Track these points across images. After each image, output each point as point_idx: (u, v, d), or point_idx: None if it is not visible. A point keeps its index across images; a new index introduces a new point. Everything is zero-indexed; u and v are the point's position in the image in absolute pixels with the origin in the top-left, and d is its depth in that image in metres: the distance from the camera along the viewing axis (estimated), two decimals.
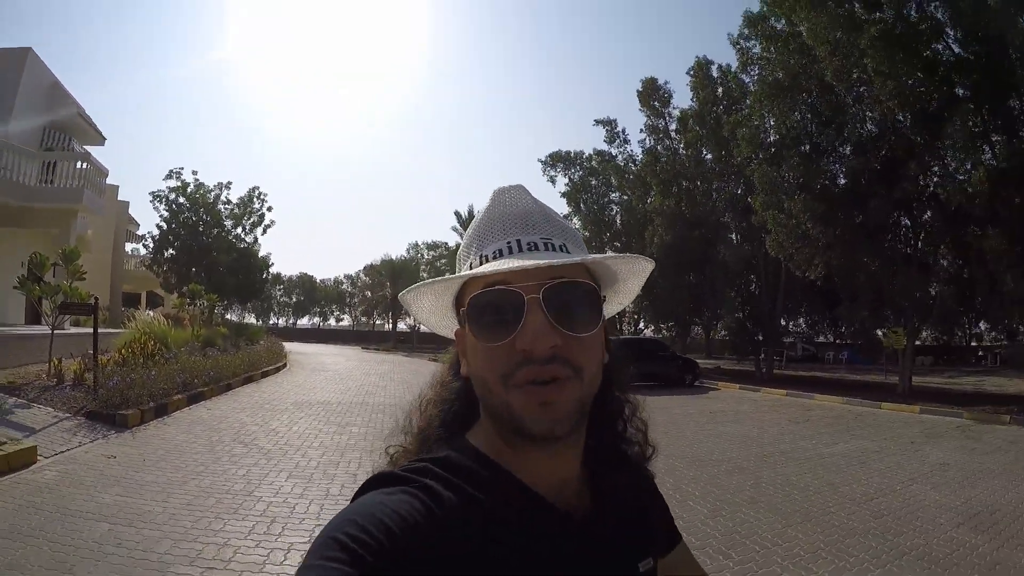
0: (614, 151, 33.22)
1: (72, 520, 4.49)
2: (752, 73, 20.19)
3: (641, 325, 37.89)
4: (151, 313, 18.19)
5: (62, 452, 6.43)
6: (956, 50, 14.62)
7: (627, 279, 0.77)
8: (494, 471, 0.67)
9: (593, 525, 0.70)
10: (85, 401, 8.34)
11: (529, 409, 0.62)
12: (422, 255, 60.32)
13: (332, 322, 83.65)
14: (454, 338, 0.76)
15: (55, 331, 9.95)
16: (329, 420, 9.82)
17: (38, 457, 6.07)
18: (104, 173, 17.83)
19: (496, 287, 0.64)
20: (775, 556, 4.41)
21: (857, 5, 15.08)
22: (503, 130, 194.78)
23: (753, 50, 19.71)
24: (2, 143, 14.55)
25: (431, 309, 0.75)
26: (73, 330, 13.18)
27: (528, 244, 0.67)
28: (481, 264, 0.67)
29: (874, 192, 15.58)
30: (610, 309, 0.78)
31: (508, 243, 0.68)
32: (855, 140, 16.72)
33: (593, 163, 35.81)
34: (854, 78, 15.19)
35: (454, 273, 0.71)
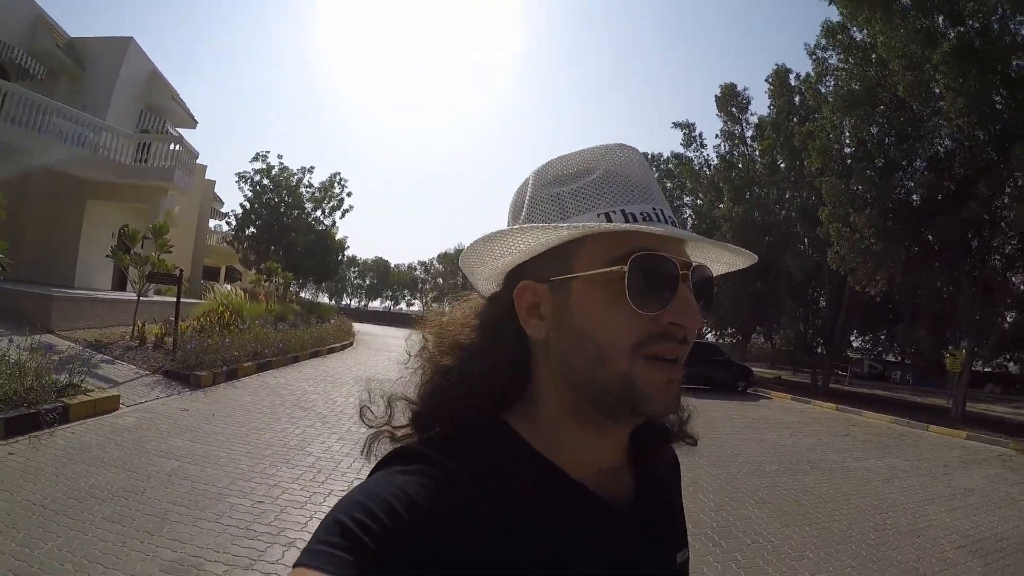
0: (690, 154, 32.71)
1: (147, 456, 5.23)
2: (828, 84, 19.80)
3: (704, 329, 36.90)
4: (228, 286, 19.45)
5: (141, 403, 7.21)
6: None
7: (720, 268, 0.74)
8: (530, 459, 0.64)
9: (634, 514, 0.68)
10: (164, 361, 9.21)
11: (656, 385, 0.61)
12: None
13: (403, 306, 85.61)
14: (513, 295, 0.67)
15: (140, 298, 11.01)
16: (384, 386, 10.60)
17: (120, 405, 6.85)
18: (194, 155, 19.04)
19: (657, 253, 0.61)
20: (763, 551, 4.70)
21: (940, 18, 14.69)
22: (582, 128, 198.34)
23: (830, 60, 19.45)
24: (102, 124, 15.76)
25: (520, 251, 0.66)
26: (156, 298, 14.37)
27: (669, 218, 0.65)
28: (626, 221, 0.62)
29: (944, 210, 15.32)
30: None
31: (655, 209, 0.64)
32: (929, 156, 16.44)
33: (670, 165, 35.57)
34: (930, 93, 14.92)
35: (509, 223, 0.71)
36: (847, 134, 17.59)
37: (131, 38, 18.91)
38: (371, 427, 0.74)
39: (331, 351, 17.13)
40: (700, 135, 32.34)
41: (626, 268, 0.59)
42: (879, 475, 8.04)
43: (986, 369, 31.61)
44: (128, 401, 7.12)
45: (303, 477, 5.21)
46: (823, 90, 20.19)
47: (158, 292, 15.45)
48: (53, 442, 5.28)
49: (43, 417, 5.56)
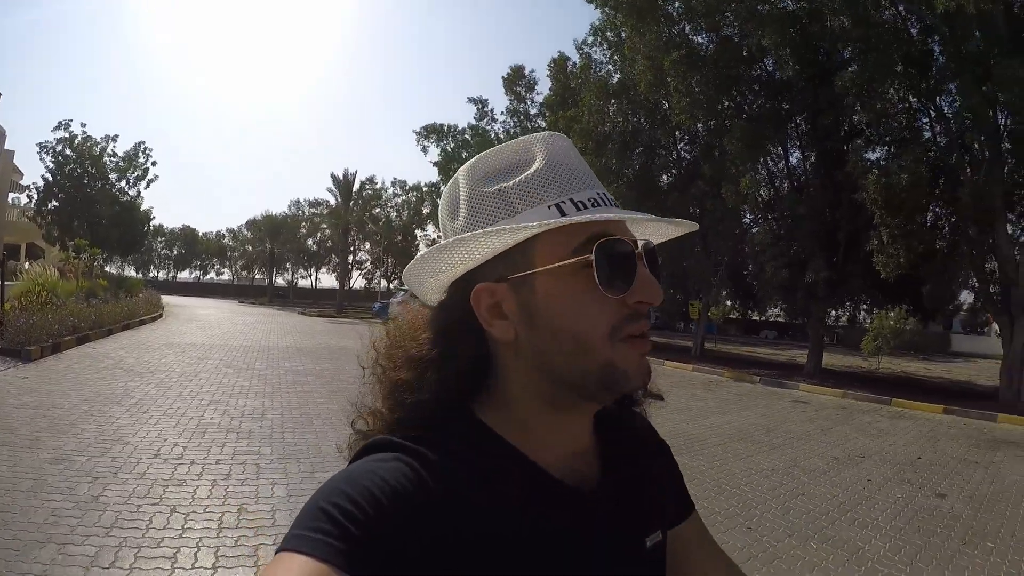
0: (486, 127, 35.35)
1: (8, 408, 6.80)
2: (594, 74, 23.00)
3: None
4: (40, 266, 19.65)
5: None
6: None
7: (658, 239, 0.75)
8: (499, 446, 0.65)
9: (600, 500, 0.68)
10: None
11: (633, 363, 0.62)
12: (303, 212, 61.42)
13: (213, 276, 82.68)
14: (470, 299, 0.65)
15: None
16: (191, 355, 12.29)
17: None
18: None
19: (617, 237, 0.62)
20: None
21: (687, 28, 17.44)
22: (380, 99, 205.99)
23: (595, 55, 22.83)
24: None
25: (480, 256, 0.64)
26: None
27: (611, 200, 0.65)
28: (578, 210, 0.62)
29: (680, 187, 19.31)
30: None
31: (599, 194, 0.64)
32: (669, 142, 20.37)
33: (467, 136, 37.38)
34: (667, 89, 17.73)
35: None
36: (605, 120, 20.53)
37: None
38: (360, 436, 0.71)
39: (142, 323, 18.48)
40: (491, 111, 34.93)
41: (592, 256, 0.60)
42: None
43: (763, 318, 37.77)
44: None
45: (130, 412, 7.03)
46: (589, 79, 23.55)
47: None
48: None
49: None
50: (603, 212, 0.62)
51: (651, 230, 0.72)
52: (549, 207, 0.62)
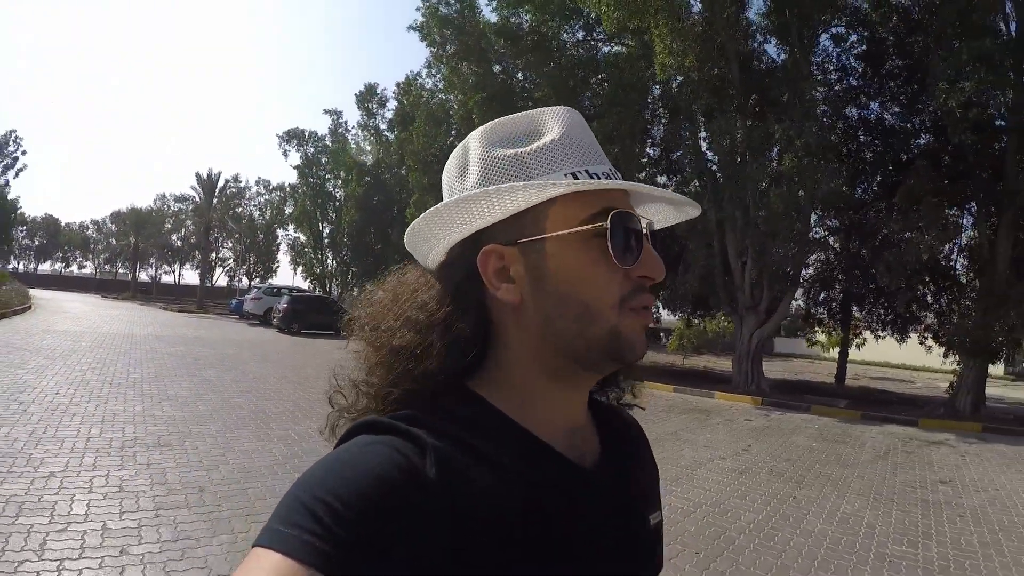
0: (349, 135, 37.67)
1: None
2: (427, 101, 26.45)
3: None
4: None
5: None
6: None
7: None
8: (500, 422, 0.63)
9: (603, 474, 0.68)
10: None
11: (637, 333, 0.63)
12: (169, 207, 61.85)
13: (75, 269, 79.48)
14: (477, 260, 0.65)
15: None
16: (67, 339, 15.47)
17: None
18: None
19: (629, 211, 0.64)
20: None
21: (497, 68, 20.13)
22: (245, 100, 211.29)
23: (427, 85, 26.76)
24: None
25: (497, 213, 0.63)
26: None
27: (619, 177, 0.66)
28: (594, 180, 0.62)
29: None
30: None
31: (611, 169, 0.66)
32: None
33: (327, 141, 39.07)
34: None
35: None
36: (434, 143, 23.97)
37: None
38: (340, 413, 0.69)
39: (16, 313, 20.85)
40: (345, 122, 38.13)
41: (607, 225, 0.61)
42: None
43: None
44: None
45: (30, 372, 9.89)
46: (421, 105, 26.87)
47: None
48: None
49: None
50: (620, 183, 0.63)
51: (651, 213, 0.74)
52: (565, 175, 0.63)
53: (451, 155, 0.71)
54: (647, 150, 19.31)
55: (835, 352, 21.49)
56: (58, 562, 3.60)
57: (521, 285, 0.64)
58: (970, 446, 10.08)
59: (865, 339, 20.98)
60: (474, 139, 0.68)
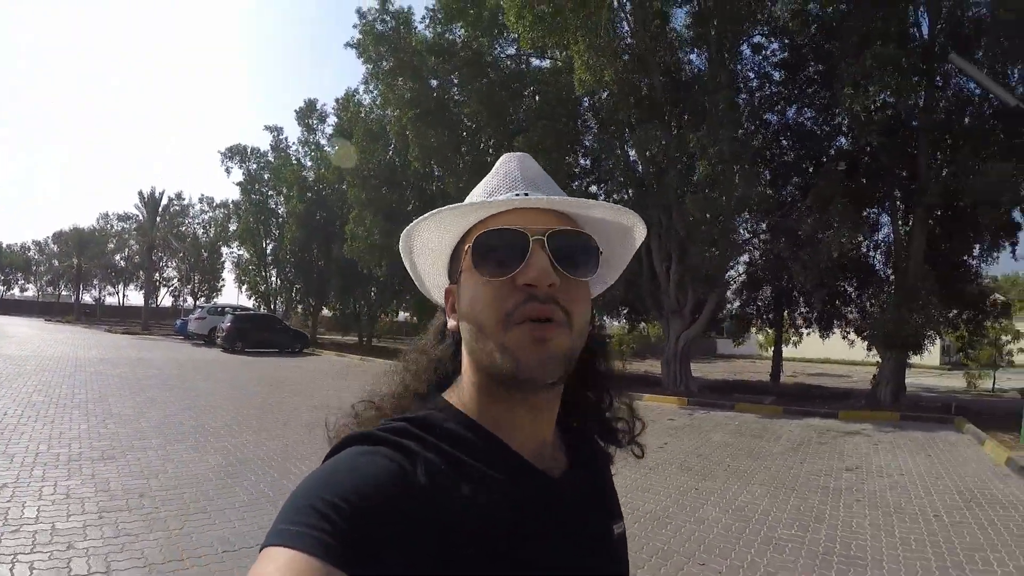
0: (291, 153, 36.60)
1: None
2: (364, 117, 26.26)
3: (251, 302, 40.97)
4: None
5: None
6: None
7: (616, 247, 0.79)
8: (475, 431, 0.67)
9: (570, 486, 0.72)
10: None
11: (525, 346, 0.64)
12: (112, 226, 60.14)
13: (16, 292, 76.40)
14: (440, 300, 0.79)
15: None
16: (12, 363, 15.50)
17: None
18: None
19: (502, 228, 0.67)
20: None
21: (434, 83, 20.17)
22: (186, 119, 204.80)
23: (364, 102, 26.76)
24: None
25: (431, 251, 0.74)
26: None
27: (547, 195, 0.70)
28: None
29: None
30: (597, 284, 0.81)
31: (517, 193, 0.69)
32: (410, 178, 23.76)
33: (269, 158, 37.92)
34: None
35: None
36: (371, 158, 24.01)
37: None
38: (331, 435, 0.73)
39: None
40: (286, 139, 36.92)
41: (470, 245, 0.67)
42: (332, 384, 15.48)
43: None
44: None
45: None
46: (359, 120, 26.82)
47: None
48: None
49: None
50: (505, 197, 0.69)
51: (599, 229, 0.74)
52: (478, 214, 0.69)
53: None
54: (580, 160, 19.62)
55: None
56: (12, 555, 4.10)
57: (457, 315, 0.72)
58: (884, 435, 10.49)
59: (800, 337, 21.43)
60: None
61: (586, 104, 18.24)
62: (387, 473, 0.59)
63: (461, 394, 0.73)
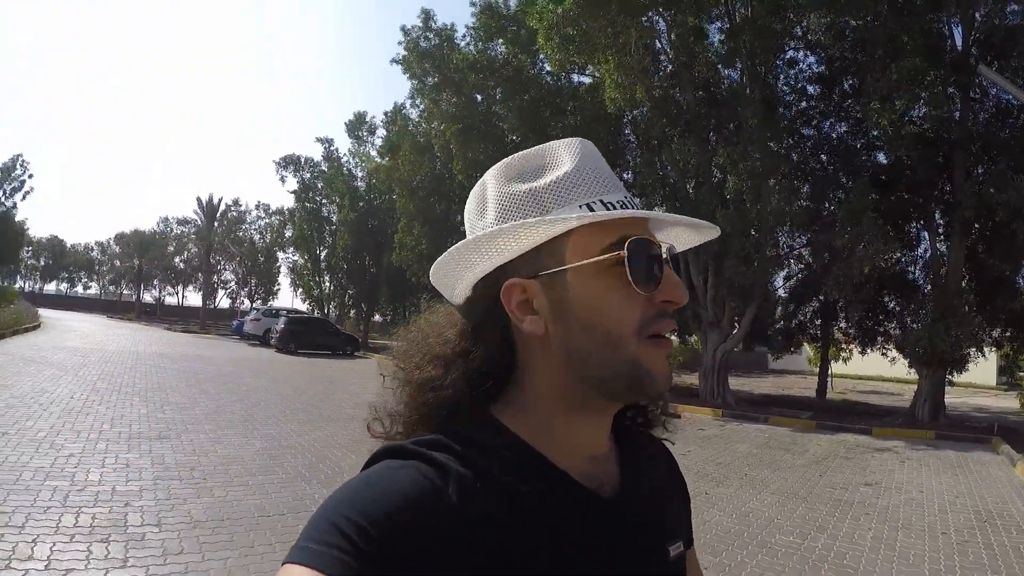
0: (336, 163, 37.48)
1: None
2: (412, 130, 26.89)
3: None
4: None
5: None
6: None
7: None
8: (518, 449, 0.64)
9: (621, 504, 0.67)
10: None
11: (658, 363, 0.63)
12: (171, 230, 62.65)
13: (80, 289, 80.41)
14: (500, 294, 0.65)
15: None
16: (77, 354, 16.52)
17: None
18: None
19: (646, 239, 0.64)
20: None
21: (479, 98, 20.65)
22: (242, 129, 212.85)
23: (412, 116, 27.41)
24: None
25: (513, 249, 0.65)
26: None
27: (636, 204, 0.67)
28: (608, 211, 0.63)
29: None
30: None
31: (626, 197, 0.67)
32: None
33: (322, 167, 38.50)
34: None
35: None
36: (418, 171, 24.47)
37: None
38: (377, 439, 0.70)
39: (27, 330, 21.80)
40: (336, 150, 37.39)
41: (625, 253, 0.62)
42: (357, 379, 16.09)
43: None
44: None
45: (47, 379, 11.37)
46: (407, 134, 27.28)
47: None
48: None
49: None
50: (633, 212, 0.64)
51: (671, 237, 0.72)
52: (580, 206, 0.64)
53: (471, 193, 0.72)
54: (623, 175, 19.80)
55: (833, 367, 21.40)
56: (77, 508, 4.84)
57: (545, 316, 0.65)
58: (915, 452, 10.33)
59: (849, 353, 20.86)
60: (491, 176, 0.70)
61: (626, 119, 18.41)
62: (417, 489, 0.57)
63: (513, 406, 0.68)
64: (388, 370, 0.74)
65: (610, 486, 0.68)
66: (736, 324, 16.22)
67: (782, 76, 16.00)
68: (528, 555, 0.58)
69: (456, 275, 0.70)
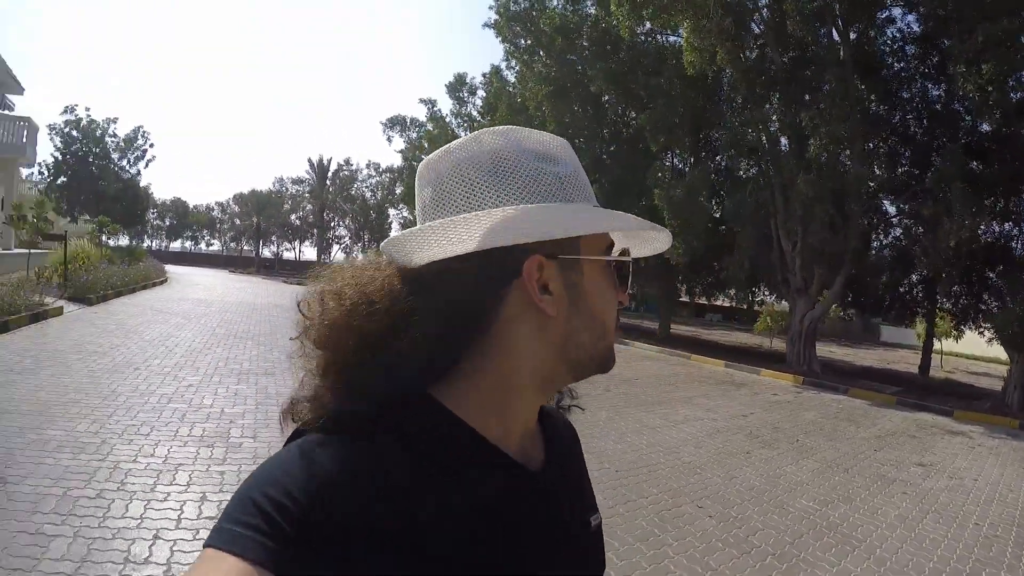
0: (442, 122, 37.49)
1: (88, 324, 11.71)
2: (508, 91, 26.72)
3: None
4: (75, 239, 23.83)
5: (72, 311, 13.28)
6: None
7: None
8: (455, 427, 0.62)
9: (546, 477, 0.69)
10: (64, 291, 14.99)
11: (613, 348, 0.71)
12: (287, 189, 65.77)
13: (203, 247, 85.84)
14: (524, 265, 0.62)
15: (31, 251, 16.62)
16: (200, 305, 18.08)
17: (64, 311, 12.97)
18: (36, 128, 22.64)
19: (626, 248, 0.72)
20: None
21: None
22: (349, 92, 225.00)
23: (508, 78, 27.40)
24: None
25: (557, 229, 0.61)
26: (16, 251, 19.29)
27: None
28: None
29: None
30: None
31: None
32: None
33: (428, 127, 38.40)
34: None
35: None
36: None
37: None
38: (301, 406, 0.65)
39: (155, 284, 23.69)
40: (439, 111, 37.84)
41: (628, 259, 0.70)
42: None
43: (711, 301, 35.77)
44: (67, 310, 13.39)
45: (173, 326, 12.58)
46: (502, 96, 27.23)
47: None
48: (49, 324, 11.78)
49: (37, 316, 11.96)
50: (652, 224, 0.67)
51: (631, 243, 0.76)
52: (594, 206, 0.67)
53: (461, 143, 0.65)
54: (711, 135, 19.42)
55: (941, 343, 20.00)
56: (191, 423, 6.00)
57: (558, 299, 0.64)
58: (990, 439, 9.66)
59: (962, 331, 19.43)
60: (504, 139, 0.65)
61: (716, 79, 17.90)
62: (342, 467, 0.55)
63: (460, 385, 0.64)
64: (305, 330, 0.69)
65: (537, 460, 0.70)
66: (825, 293, 15.72)
67: (878, 37, 15.05)
68: (459, 529, 0.58)
69: (468, 237, 0.60)
